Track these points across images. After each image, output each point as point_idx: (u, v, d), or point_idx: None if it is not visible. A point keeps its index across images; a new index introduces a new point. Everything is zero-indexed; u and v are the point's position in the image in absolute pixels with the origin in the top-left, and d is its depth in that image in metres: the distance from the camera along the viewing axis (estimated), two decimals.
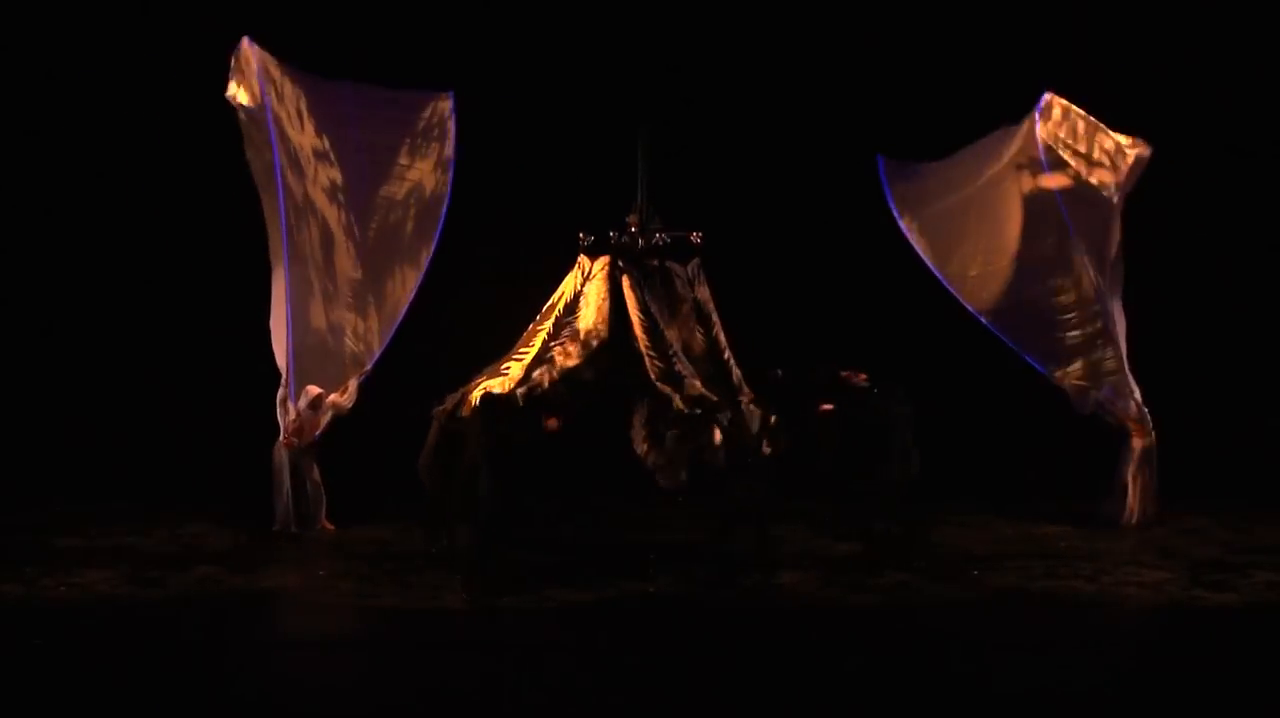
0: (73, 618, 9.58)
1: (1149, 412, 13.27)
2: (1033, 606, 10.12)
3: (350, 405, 12.77)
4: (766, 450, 11.67)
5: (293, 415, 12.51)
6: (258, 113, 12.30)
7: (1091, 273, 13.21)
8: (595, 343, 12.34)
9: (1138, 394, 13.28)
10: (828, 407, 12.12)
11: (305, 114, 12.72)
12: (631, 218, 12.68)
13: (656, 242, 12.62)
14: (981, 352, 14.18)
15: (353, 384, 12.75)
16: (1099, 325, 13.30)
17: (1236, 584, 10.63)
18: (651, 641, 9.32)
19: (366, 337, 12.95)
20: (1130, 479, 13.25)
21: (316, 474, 12.78)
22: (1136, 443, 13.28)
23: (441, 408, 12.05)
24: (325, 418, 12.69)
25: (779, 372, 12.22)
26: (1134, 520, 13.20)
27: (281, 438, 12.53)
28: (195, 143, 14.31)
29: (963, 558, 11.61)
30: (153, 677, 8.24)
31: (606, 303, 12.39)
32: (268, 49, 12.38)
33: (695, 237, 12.73)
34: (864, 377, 12.37)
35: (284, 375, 12.51)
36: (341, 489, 13.00)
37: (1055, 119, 13.30)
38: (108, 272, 14.97)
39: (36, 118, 14.83)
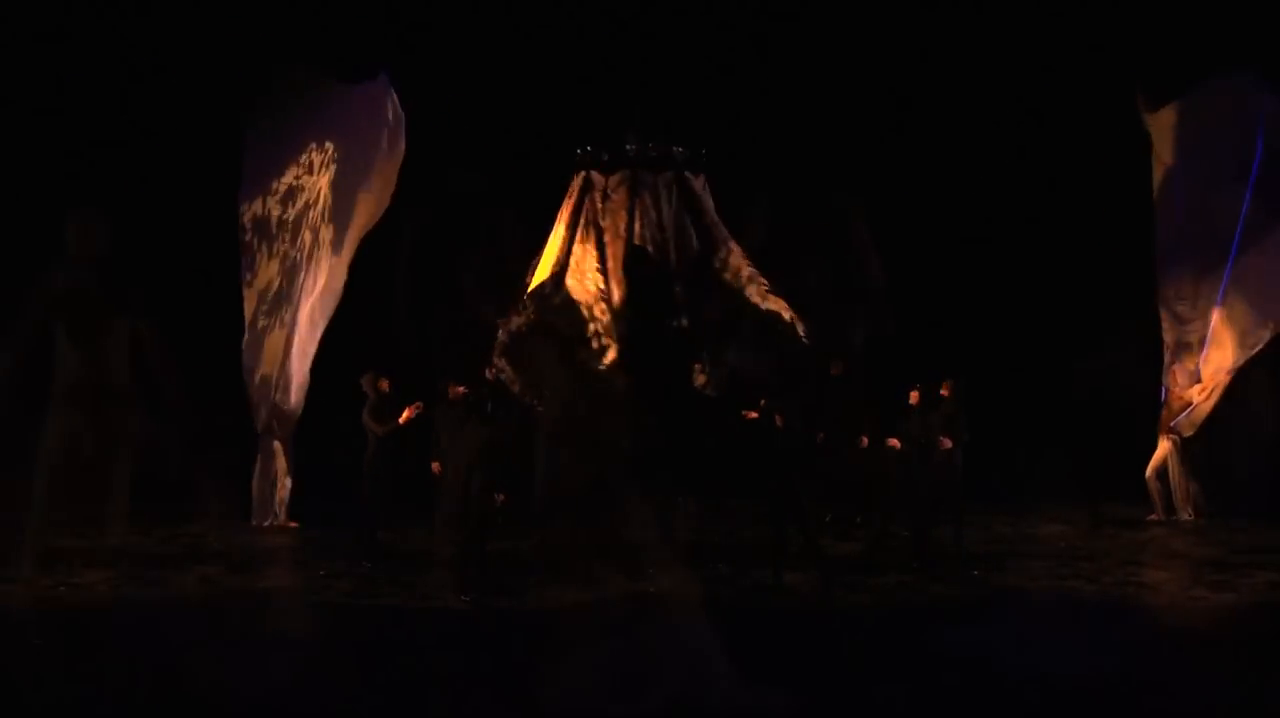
0: (73, 618, 9.58)
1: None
2: (1033, 606, 10.12)
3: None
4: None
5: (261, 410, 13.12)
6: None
7: None
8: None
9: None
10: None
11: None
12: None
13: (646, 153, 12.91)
14: (981, 351, 14.19)
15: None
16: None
17: (1236, 584, 10.63)
18: (651, 640, 9.31)
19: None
20: (1177, 477, 13.34)
21: (281, 467, 13.14)
22: (1173, 439, 13.33)
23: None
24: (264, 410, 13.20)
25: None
26: (1189, 516, 13.27)
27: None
28: (193, 143, 14.35)
29: (963, 558, 11.61)
30: (153, 677, 8.24)
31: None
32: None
33: (679, 150, 12.96)
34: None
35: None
36: (341, 489, 13.01)
37: None
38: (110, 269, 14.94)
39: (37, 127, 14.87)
